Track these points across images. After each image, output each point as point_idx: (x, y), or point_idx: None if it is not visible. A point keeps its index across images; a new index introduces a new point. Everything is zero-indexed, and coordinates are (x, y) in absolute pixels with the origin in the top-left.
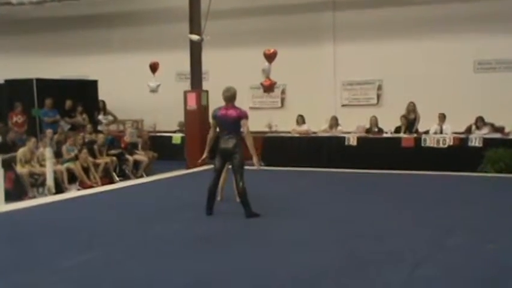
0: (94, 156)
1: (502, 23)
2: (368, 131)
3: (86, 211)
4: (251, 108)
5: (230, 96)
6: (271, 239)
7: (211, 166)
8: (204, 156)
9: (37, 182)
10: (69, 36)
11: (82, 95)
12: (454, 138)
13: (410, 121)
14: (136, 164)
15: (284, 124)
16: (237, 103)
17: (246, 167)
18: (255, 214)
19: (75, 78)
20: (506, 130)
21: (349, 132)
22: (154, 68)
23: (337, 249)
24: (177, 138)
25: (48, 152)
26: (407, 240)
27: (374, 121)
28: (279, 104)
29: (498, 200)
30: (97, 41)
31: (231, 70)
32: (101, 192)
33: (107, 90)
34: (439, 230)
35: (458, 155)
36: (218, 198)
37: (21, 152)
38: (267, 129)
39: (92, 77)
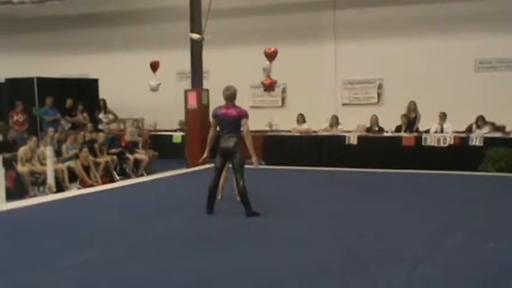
0: (95, 155)
1: (502, 22)
2: (368, 130)
3: (87, 210)
4: (252, 107)
5: (230, 95)
6: (271, 238)
7: (212, 165)
8: (204, 155)
9: (38, 181)
10: (70, 35)
11: (83, 94)
12: (454, 137)
13: (410, 120)
14: (137, 162)
15: (284, 123)
16: (237, 102)
17: (246, 166)
18: (255, 213)
19: (75, 77)
20: (507, 129)
21: (349, 131)
22: (155, 66)
23: (337, 247)
24: (177, 137)
25: (48, 151)
26: (406, 239)
27: (374, 120)
28: (280, 103)
29: (498, 200)
30: (98, 40)
31: (232, 69)
32: (102, 191)
33: (108, 89)
34: (439, 229)
35: (459, 154)
36: (219, 197)
37: (22, 151)
38: (267, 128)
39: (92, 76)
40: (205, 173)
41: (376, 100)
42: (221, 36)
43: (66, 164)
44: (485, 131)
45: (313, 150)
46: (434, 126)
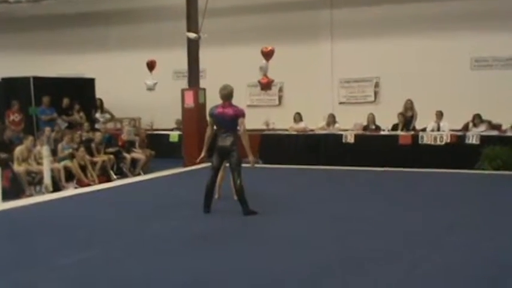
0: (91, 155)
1: (498, 21)
2: (365, 128)
3: (84, 209)
4: (249, 106)
5: (227, 94)
6: (268, 237)
7: (209, 164)
8: (202, 155)
9: (34, 180)
10: (66, 34)
11: (79, 93)
12: (451, 135)
13: (407, 118)
14: (134, 162)
15: (281, 122)
16: (234, 101)
17: (243, 165)
18: (252, 212)
19: (72, 76)
20: (503, 127)
21: (346, 130)
22: (151, 66)
23: (336, 246)
24: (174, 136)
25: (45, 150)
26: (405, 238)
27: (371, 118)
28: (277, 102)
29: (495, 198)
30: (94, 39)
31: (229, 68)
32: (99, 191)
33: (104, 88)
34: (437, 228)
35: (456, 153)
36: (216, 196)
37: (18, 150)
38: (264, 127)
39: (89, 75)
40: (202, 172)
41: (372, 98)
42: (218, 35)
43: (63, 163)
44: (482, 129)
45: (310, 149)
46: (430, 124)
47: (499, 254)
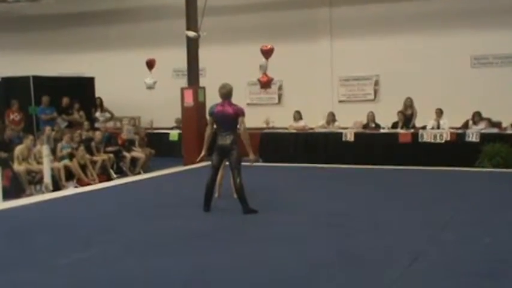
0: (91, 154)
1: (498, 18)
2: (365, 126)
3: (84, 208)
4: (248, 104)
5: (226, 93)
6: (268, 235)
7: (209, 163)
8: (202, 154)
9: (34, 180)
10: (65, 34)
11: (79, 93)
12: (451, 133)
13: (407, 116)
14: (134, 161)
15: (281, 120)
16: (234, 99)
17: (243, 164)
18: (252, 210)
19: (71, 75)
20: (503, 125)
21: (346, 128)
22: (151, 64)
23: (335, 244)
24: (174, 135)
25: (45, 150)
26: (404, 235)
27: (371, 117)
28: (276, 100)
29: (495, 195)
30: (93, 38)
31: (228, 66)
32: (99, 190)
33: (104, 87)
34: (436, 225)
35: (456, 150)
36: (216, 194)
37: (18, 150)
38: (264, 126)
39: (88, 74)
40: (202, 170)
41: (372, 97)
42: (217, 34)
43: (63, 162)
44: (482, 126)
45: (310, 147)
46: (430, 122)
47: (496, 250)
